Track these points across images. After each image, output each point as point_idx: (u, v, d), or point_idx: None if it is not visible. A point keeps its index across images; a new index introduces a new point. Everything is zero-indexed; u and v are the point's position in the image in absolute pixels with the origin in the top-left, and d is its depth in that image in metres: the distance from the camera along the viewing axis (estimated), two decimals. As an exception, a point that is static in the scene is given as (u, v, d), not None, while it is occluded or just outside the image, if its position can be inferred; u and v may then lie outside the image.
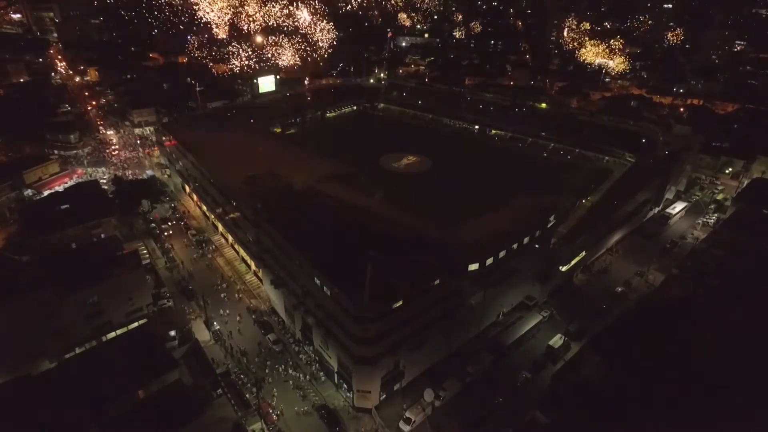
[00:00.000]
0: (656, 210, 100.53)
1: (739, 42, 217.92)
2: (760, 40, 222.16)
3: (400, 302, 54.92)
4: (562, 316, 72.87)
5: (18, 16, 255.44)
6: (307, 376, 63.81)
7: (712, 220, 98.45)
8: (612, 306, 74.21)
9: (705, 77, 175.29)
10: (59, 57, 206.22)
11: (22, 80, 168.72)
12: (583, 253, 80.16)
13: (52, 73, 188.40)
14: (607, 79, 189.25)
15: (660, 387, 49.80)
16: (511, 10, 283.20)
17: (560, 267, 76.57)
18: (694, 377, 50.87)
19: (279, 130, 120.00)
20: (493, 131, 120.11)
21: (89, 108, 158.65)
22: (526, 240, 69.77)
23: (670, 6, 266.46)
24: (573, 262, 78.45)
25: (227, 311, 73.95)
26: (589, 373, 54.31)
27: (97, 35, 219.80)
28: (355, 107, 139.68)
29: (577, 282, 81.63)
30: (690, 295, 64.82)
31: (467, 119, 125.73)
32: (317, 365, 65.47)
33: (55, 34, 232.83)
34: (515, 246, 67.94)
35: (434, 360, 63.85)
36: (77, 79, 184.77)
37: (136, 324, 66.85)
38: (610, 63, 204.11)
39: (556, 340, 66.55)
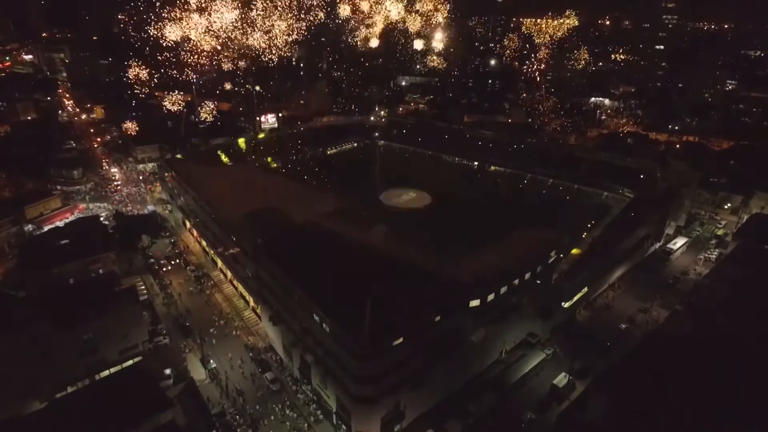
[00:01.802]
0: (657, 245, 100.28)
1: (730, 81, 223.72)
2: (750, 79, 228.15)
3: (401, 339, 53.98)
4: (566, 354, 71.42)
5: (30, 57, 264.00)
6: (311, 417, 61.93)
7: (713, 256, 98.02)
8: (616, 343, 72.81)
9: (699, 115, 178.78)
10: (67, 95, 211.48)
11: (29, 118, 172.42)
12: (585, 289, 79.41)
13: (59, 111, 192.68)
14: (603, 117, 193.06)
15: (668, 427, 48.27)
16: (508, 51, 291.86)
17: (562, 303, 75.68)
18: (703, 417, 49.39)
19: (277, 165, 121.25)
20: (492, 167, 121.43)
21: (95, 145, 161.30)
22: (527, 276, 69.25)
23: (662, 47, 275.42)
24: (575, 299, 77.59)
25: (229, 355, 72.09)
26: (596, 414, 52.70)
27: (106, 75, 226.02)
28: (355, 144, 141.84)
29: (580, 318, 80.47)
30: (695, 332, 63.78)
31: (466, 156, 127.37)
32: (315, 405, 63.62)
33: (65, 74, 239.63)
34: (516, 282, 67.37)
35: (436, 400, 62.12)
36: (83, 116, 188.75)
37: (130, 362, 65.47)
38: (606, 101, 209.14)
39: (561, 379, 64.93)
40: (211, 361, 70.36)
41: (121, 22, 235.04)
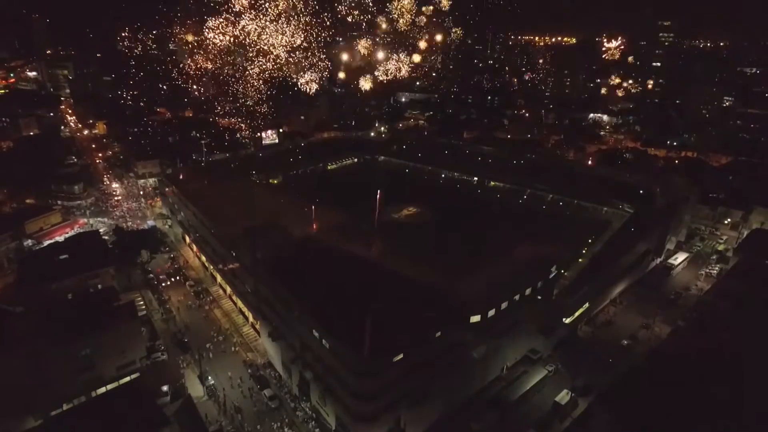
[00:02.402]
0: (658, 261, 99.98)
1: (727, 98, 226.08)
2: (747, 96, 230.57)
3: (401, 355, 53.47)
4: (568, 371, 70.60)
5: (34, 73, 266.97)
6: (305, 435, 61.08)
7: (715, 271, 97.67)
8: (619, 360, 72.06)
9: (697, 131, 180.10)
10: (70, 111, 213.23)
11: (32, 133, 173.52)
12: (587, 304, 78.92)
13: (62, 127, 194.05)
14: (602, 133, 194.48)
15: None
16: (507, 68, 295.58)
17: (563, 319, 75.14)
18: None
19: (276, 182, 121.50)
20: (492, 183, 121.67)
21: (97, 160, 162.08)
22: (528, 291, 68.89)
23: (659, 64, 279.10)
24: (576, 314, 77.07)
25: (229, 374, 70.72)
26: (599, 432, 51.97)
27: (109, 91, 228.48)
28: (356, 159, 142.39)
29: (582, 334, 79.78)
30: (698, 348, 63.24)
31: (466, 171, 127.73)
32: (314, 423, 62.61)
33: (68, 90, 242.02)
34: (517, 297, 66.99)
35: (436, 417, 61.15)
36: (85, 132, 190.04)
37: (128, 378, 64.69)
38: (605, 117, 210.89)
39: (563, 396, 63.99)
40: (209, 377, 69.54)
41: (125, 39, 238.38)
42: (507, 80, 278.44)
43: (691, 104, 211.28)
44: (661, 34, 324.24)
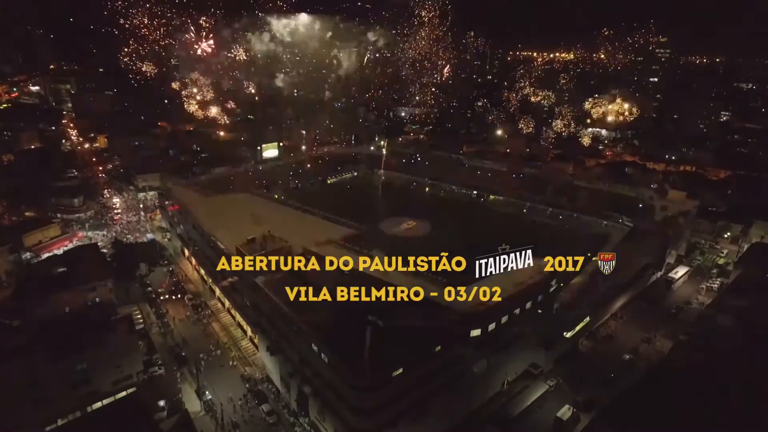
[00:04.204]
0: (659, 274, 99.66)
1: (724, 112, 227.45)
2: (744, 110, 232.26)
3: (400, 370, 52.95)
4: (570, 386, 69.85)
5: (36, 88, 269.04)
6: (303, 452, 60.18)
7: (715, 285, 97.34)
8: (620, 374, 71.36)
9: (695, 145, 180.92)
10: (71, 125, 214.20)
11: (33, 147, 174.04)
12: (587, 318, 78.44)
13: (63, 140, 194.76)
14: (600, 147, 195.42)
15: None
16: (505, 83, 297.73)
17: (564, 333, 74.60)
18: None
19: (276, 196, 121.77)
20: (492, 196, 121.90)
21: (98, 174, 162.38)
22: (528, 305, 68.48)
23: (656, 80, 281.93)
24: (577, 328, 76.57)
25: (230, 394, 69.27)
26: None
27: (110, 105, 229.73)
28: (356, 173, 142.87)
29: (583, 349, 79.16)
30: (700, 363, 62.67)
31: (466, 185, 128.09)
32: (313, 439, 61.88)
33: (70, 105, 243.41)
34: (517, 311, 66.57)
35: (437, 433, 60.42)
36: (86, 145, 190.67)
37: (124, 393, 63.94)
38: (603, 132, 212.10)
39: (565, 412, 63.31)
40: (207, 392, 68.70)
41: (127, 55, 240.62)
42: (506, 95, 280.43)
43: (688, 119, 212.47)
44: (657, 50, 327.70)
